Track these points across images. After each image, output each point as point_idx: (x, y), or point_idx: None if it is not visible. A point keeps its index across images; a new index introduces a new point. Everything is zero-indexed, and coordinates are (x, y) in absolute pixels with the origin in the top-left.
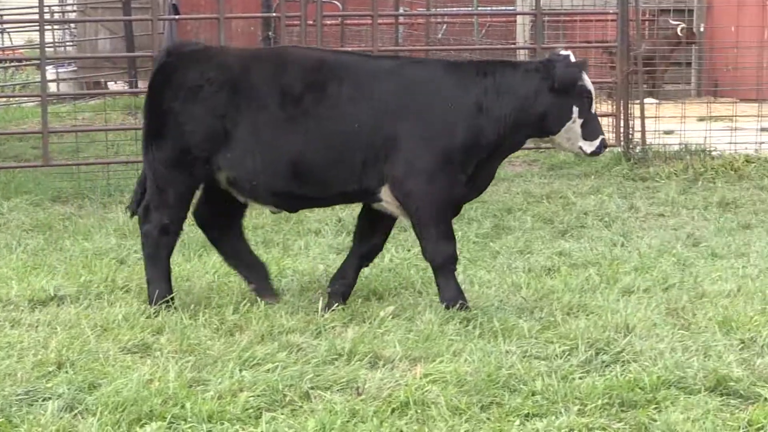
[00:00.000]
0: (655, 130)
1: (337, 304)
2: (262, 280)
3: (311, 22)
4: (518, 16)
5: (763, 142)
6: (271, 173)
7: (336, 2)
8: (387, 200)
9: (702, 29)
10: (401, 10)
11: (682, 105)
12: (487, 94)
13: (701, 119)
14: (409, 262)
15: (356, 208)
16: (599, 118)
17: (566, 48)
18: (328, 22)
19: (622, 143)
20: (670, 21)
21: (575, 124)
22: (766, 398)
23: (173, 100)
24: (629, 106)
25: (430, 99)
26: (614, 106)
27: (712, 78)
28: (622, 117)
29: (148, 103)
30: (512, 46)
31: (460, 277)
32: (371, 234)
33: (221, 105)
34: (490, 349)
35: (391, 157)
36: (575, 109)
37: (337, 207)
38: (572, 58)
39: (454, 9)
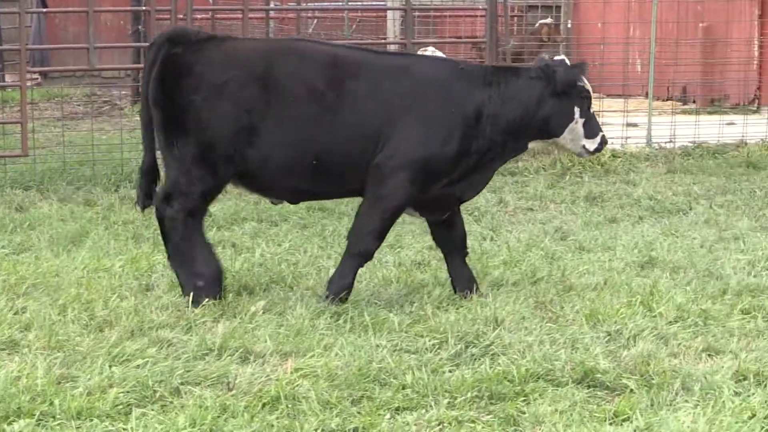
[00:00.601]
0: None
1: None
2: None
3: (181, 16)
4: (388, 11)
5: (629, 137)
6: (297, 168)
7: None
8: None
9: (569, 25)
10: (272, 5)
11: None
12: (491, 102)
13: None
14: (280, 257)
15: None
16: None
17: (435, 43)
18: (199, 17)
19: None
20: (540, 21)
21: (577, 124)
22: (631, 389)
23: (194, 94)
24: None
25: (436, 101)
26: None
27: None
28: None
29: (161, 94)
30: (383, 41)
31: (330, 271)
32: (451, 228)
33: (248, 100)
34: (361, 344)
35: (384, 148)
36: (576, 110)
37: None
38: (567, 62)
39: (325, 4)
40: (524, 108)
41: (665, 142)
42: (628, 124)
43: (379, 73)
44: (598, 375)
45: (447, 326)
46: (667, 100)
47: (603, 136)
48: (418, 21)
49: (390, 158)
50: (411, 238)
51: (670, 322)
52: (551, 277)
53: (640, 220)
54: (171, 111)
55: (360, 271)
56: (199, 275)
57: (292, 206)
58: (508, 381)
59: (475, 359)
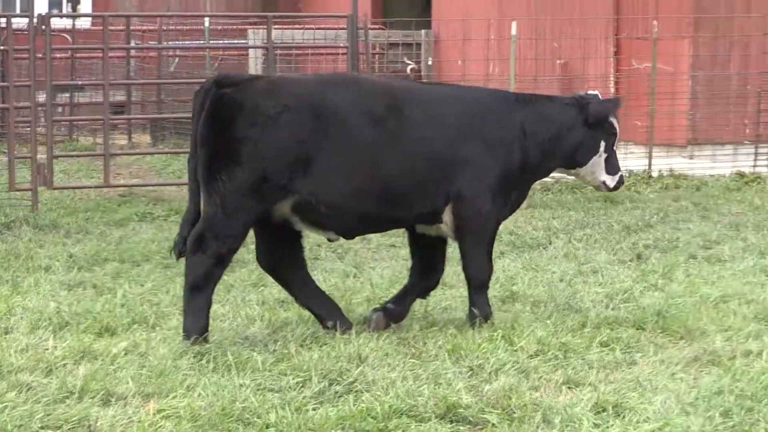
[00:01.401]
0: None
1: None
2: (337, 313)
3: (40, 55)
4: (250, 50)
5: None
6: (361, 197)
7: (65, 35)
8: (447, 221)
9: (430, 63)
10: (133, 43)
11: None
12: (530, 120)
13: None
14: (142, 298)
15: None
16: None
17: None
18: (58, 55)
19: None
20: (406, 60)
21: (601, 158)
22: (493, 424)
23: (248, 128)
24: None
25: (490, 124)
26: None
27: None
28: None
29: (211, 132)
30: None
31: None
32: (435, 267)
33: (303, 131)
34: (224, 383)
35: (457, 179)
36: (602, 144)
37: None
38: (600, 97)
39: (186, 42)
40: (558, 129)
41: None
42: None
43: (432, 100)
44: (461, 410)
45: (311, 364)
46: None
47: (622, 175)
48: (279, 59)
49: (470, 185)
50: None
51: (531, 355)
52: (414, 312)
53: (501, 255)
54: (220, 146)
55: (223, 310)
56: (187, 330)
57: (153, 247)
58: (372, 418)
59: (339, 396)
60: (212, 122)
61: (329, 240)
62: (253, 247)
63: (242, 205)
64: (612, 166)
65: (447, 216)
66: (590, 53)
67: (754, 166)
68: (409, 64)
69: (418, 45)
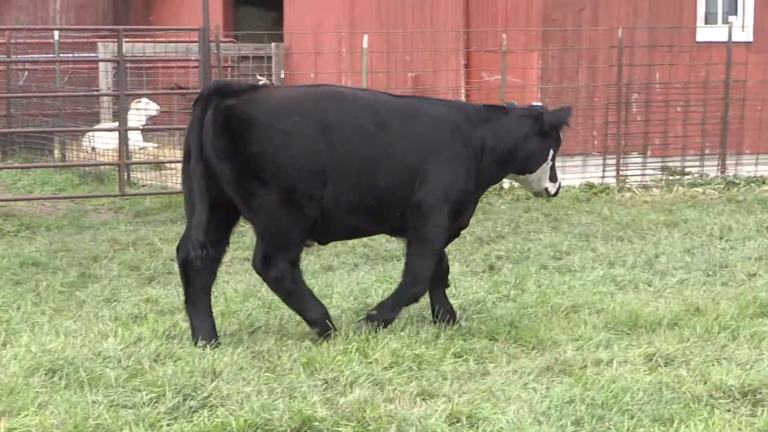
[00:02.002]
0: None
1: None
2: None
3: None
4: (101, 63)
5: None
6: (360, 207)
7: None
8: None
9: (282, 76)
10: None
11: None
12: (489, 137)
13: None
14: None
15: None
16: None
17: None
18: None
19: None
20: (258, 76)
21: (548, 165)
22: None
23: (266, 143)
24: None
25: (455, 140)
26: None
27: None
28: None
29: (231, 147)
30: (95, 92)
31: (45, 327)
32: (439, 261)
33: (314, 143)
34: (77, 400)
35: (420, 189)
36: (551, 153)
37: None
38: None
39: (36, 55)
40: (515, 140)
41: None
42: None
43: (409, 114)
44: (316, 423)
45: (164, 379)
46: None
47: (560, 182)
48: (130, 72)
49: (430, 196)
50: (127, 291)
51: (386, 367)
52: (269, 326)
53: (355, 268)
54: (244, 163)
55: (75, 326)
56: (313, 323)
57: (3, 263)
58: None
59: (194, 412)
60: (226, 136)
61: (305, 246)
62: (104, 261)
63: (287, 217)
64: (554, 174)
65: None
66: (441, 66)
67: (603, 177)
68: (261, 79)
69: (270, 58)
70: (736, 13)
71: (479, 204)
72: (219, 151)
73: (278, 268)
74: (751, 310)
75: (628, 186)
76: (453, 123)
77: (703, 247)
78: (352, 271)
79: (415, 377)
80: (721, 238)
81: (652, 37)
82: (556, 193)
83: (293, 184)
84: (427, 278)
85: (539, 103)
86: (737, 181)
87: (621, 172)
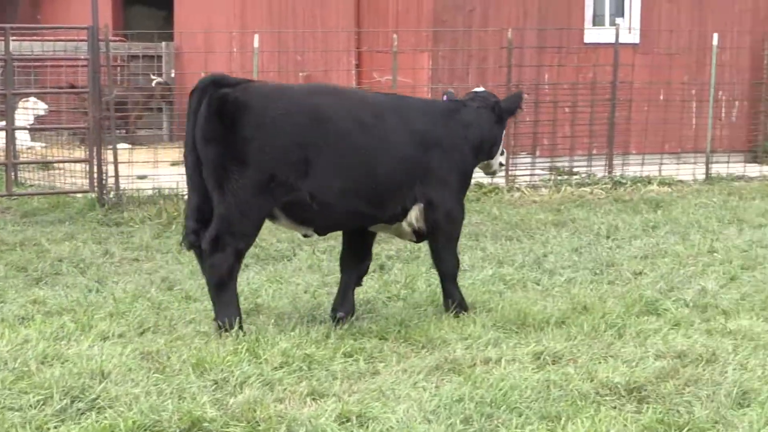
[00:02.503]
0: (128, 176)
1: (347, 324)
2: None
3: None
4: None
5: None
6: (347, 195)
7: None
8: (412, 220)
9: (173, 75)
10: None
11: (155, 150)
12: (465, 128)
13: (174, 164)
14: None
15: None
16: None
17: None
18: None
19: (95, 189)
20: (152, 75)
21: (500, 146)
22: None
23: (256, 128)
24: (102, 151)
25: (451, 131)
26: (87, 152)
27: (185, 123)
28: (95, 162)
29: (220, 130)
30: None
31: None
32: (364, 257)
33: (303, 133)
34: None
35: (425, 182)
36: (503, 134)
37: None
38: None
39: None
40: (482, 132)
41: None
42: None
43: (402, 107)
44: (206, 423)
45: (52, 381)
46: None
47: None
48: (18, 71)
49: (442, 190)
50: (14, 292)
51: (276, 367)
52: (158, 327)
53: (245, 268)
54: (231, 145)
55: None
56: (222, 321)
57: None
58: None
59: (82, 414)
60: (218, 120)
61: (305, 236)
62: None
63: (255, 203)
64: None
65: (413, 215)
66: (332, 66)
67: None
68: (155, 79)
69: (160, 57)
70: (623, 15)
71: None
72: (207, 134)
73: (225, 253)
74: (636, 309)
75: (517, 186)
76: (441, 116)
77: (591, 246)
78: (242, 272)
79: (306, 377)
80: (608, 237)
81: (541, 38)
82: (502, 164)
83: (273, 171)
84: (455, 255)
85: (481, 88)
86: (624, 181)
87: (510, 172)
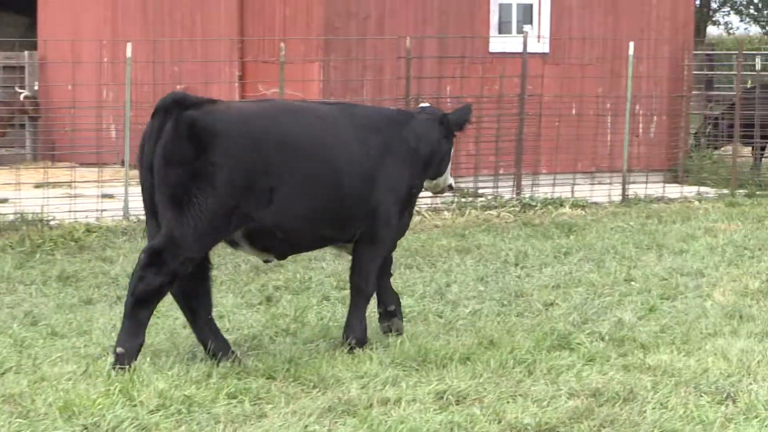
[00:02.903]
0: None
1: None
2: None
3: None
4: None
5: (105, 210)
6: (313, 220)
7: None
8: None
9: (36, 88)
10: None
11: (17, 170)
12: (413, 140)
13: (38, 186)
14: None
15: None
16: None
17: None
18: None
19: None
20: (17, 88)
21: (450, 164)
22: None
23: (222, 153)
24: None
25: (399, 146)
26: None
27: (50, 141)
28: None
29: (182, 153)
30: None
31: None
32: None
33: (264, 160)
34: None
35: (371, 200)
36: (452, 150)
37: None
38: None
39: None
40: (431, 146)
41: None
42: (104, 195)
43: (354, 119)
44: None
45: None
46: None
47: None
48: None
49: (384, 198)
50: None
51: (152, 410)
52: (21, 367)
53: (118, 301)
54: (198, 170)
55: None
56: (122, 348)
57: None
58: None
59: None
60: (181, 142)
61: (265, 262)
62: None
63: (212, 229)
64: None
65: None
66: (213, 77)
67: None
68: (21, 92)
69: (23, 68)
70: (531, 23)
71: None
72: (173, 156)
73: (162, 271)
74: (547, 343)
75: (417, 209)
76: (390, 125)
77: (498, 275)
78: (115, 305)
79: (185, 421)
80: (516, 264)
81: (442, 47)
82: (452, 186)
83: (238, 200)
84: (375, 275)
85: (427, 104)
86: (533, 204)
87: None
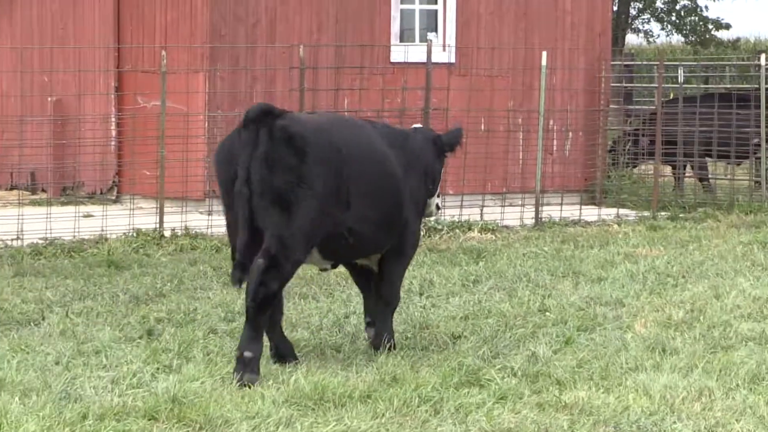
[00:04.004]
0: None
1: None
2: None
3: None
4: None
5: None
6: (378, 226)
7: None
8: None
9: None
10: None
11: None
12: (420, 158)
13: None
14: None
15: None
16: None
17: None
18: None
19: None
20: None
21: (437, 186)
22: None
23: (318, 162)
24: None
25: (414, 161)
26: None
27: None
28: None
29: (288, 161)
30: None
31: None
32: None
33: (345, 166)
34: None
35: (404, 211)
36: (441, 174)
37: None
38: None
39: None
40: (426, 163)
41: (12, 239)
42: None
43: (393, 134)
44: None
45: None
46: (12, 189)
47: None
48: None
49: (411, 211)
50: None
51: None
52: None
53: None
54: (296, 174)
55: None
56: (253, 349)
57: None
58: None
59: None
60: (287, 149)
61: (322, 270)
62: None
63: (315, 231)
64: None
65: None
66: (87, 89)
67: None
68: None
69: None
70: (436, 30)
71: (135, 256)
72: (275, 163)
73: (279, 274)
74: (455, 379)
75: None
76: (403, 140)
77: (401, 305)
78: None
79: None
80: (421, 294)
81: (339, 56)
82: (439, 207)
83: (330, 204)
84: (400, 287)
85: (419, 125)
86: (439, 227)
87: None
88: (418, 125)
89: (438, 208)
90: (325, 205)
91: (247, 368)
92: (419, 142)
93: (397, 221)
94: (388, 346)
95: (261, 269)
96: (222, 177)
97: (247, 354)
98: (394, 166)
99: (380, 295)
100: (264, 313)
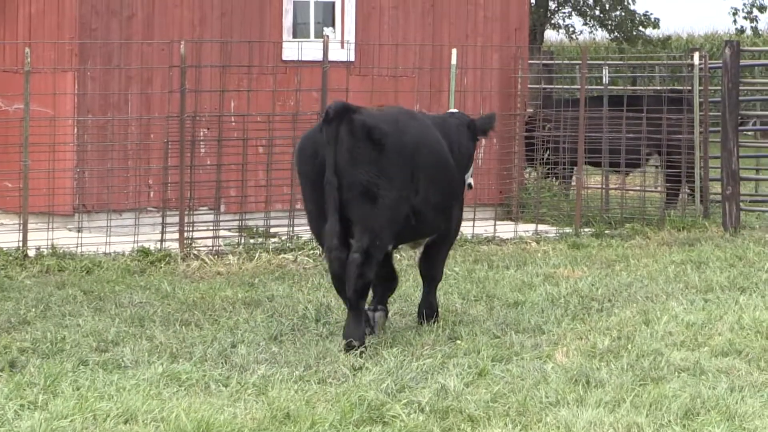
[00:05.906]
0: None
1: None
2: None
3: None
4: None
5: None
6: (436, 208)
7: None
8: None
9: None
10: None
11: None
12: (458, 143)
13: None
14: None
15: None
16: None
17: None
18: None
19: None
20: None
21: (471, 165)
22: None
23: (394, 151)
24: None
25: (455, 147)
26: None
27: None
28: None
29: (370, 154)
30: None
31: None
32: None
33: (414, 154)
34: None
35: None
36: (473, 154)
37: None
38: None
39: None
40: (465, 148)
41: None
42: None
43: (438, 121)
44: None
45: None
46: None
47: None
48: None
49: (457, 195)
50: None
51: None
52: None
53: None
54: (382, 167)
55: None
56: (357, 332)
57: None
58: None
59: None
60: (368, 143)
61: (396, 249)
62: None
63: (398, 218)
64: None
65: None
66: None
67: (162, 240)
68: None
69: None
70: (333, 25)
71: None
72: (360, 157)
73: (371, 264)
74: (356, 415)
75: (195, 252)
76: (444, 127)
77: (295, 333)
78: None
79: None
80: (317, 320)
81: (224, 54)
82: (471, 186)
83: (407, 190)
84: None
85: (456, 110)
86: None
87: (186, 234)
88: (454, 110)
89: (470, 186)
90: (403, 192)
91: (353, 349)
92: (455, 128)
93: (451, 204)
94: (428, 313)
95: (358, 263)
96: (306, 169)
97: (354, 342)
98: (447, 153)
99: (427, 273)
100: (364, 299)
